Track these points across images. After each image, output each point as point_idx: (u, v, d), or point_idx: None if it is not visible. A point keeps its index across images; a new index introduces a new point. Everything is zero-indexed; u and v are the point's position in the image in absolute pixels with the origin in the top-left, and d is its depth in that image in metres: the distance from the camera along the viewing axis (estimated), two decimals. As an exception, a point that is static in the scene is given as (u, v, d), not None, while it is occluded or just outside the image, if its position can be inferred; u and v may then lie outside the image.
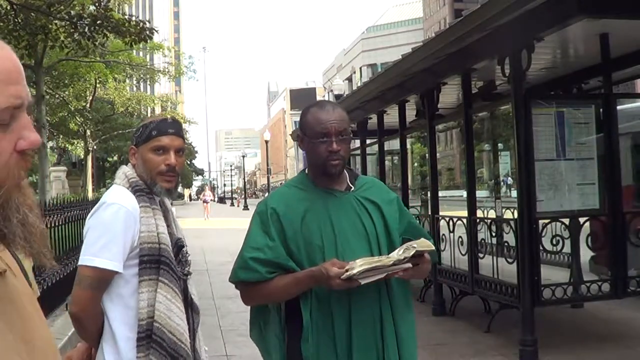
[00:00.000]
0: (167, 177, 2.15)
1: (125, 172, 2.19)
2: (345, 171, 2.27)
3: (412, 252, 2.01)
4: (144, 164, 2.16)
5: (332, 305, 2.09)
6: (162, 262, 2.04)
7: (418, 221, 5.52)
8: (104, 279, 2.01)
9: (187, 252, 2.22)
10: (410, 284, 2.28)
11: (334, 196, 2.19)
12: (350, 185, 2.24)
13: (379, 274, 2.00)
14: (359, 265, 1.97)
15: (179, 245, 2.17)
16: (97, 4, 11.35)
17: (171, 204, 2.35)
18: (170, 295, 2.02)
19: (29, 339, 0.88)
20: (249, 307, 2.31)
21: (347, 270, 1.97)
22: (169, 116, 2.34)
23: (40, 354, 0.89)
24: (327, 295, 2.07)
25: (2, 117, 0.82)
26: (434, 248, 2.12)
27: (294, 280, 2.09)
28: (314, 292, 2.09)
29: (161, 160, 2.14)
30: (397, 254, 2.03)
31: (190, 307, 2.15)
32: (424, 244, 2.07)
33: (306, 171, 2.29)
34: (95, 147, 30.00)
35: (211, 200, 39.45)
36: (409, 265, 2.03)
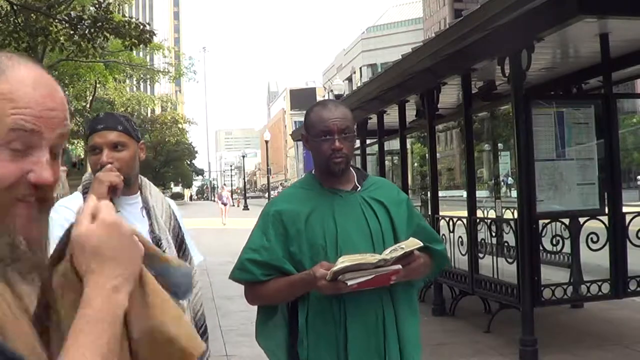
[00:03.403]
0: None
1: (87, 174, 2.08)
2: (353, 171, 2.24)
3: (399, 253, 1.96)
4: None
5: (328, 308, 2.07)
6: None
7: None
8: None
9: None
10: (416, 287, 2.26)
11: (339, 196, 2.16)
12: (358, 185, 2.21)
13: (367, 275, 1.94)
14: (340, 262, 1.93)
15: None
16: (97, 6, 11.34)
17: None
18: None
19: None
20: (249, 307, 2.31)
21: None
22: (105, 112, 2.16)
23: None
24: (323, 298, 2.05)
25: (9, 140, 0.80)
26: (421, 244, 2.03)
27: (287, 283, 2.09)
28: (312, 295, 2.08)
29: (96, 160, 2.00)
30: (384, 254, 1.97)
31: None
32: (413, 243, 2.01)
33: (313, 172, 2.27)
34: (95, 147, 29.97)
35: (227, 202, 29.59)
36: (399, 267, 1.97)
